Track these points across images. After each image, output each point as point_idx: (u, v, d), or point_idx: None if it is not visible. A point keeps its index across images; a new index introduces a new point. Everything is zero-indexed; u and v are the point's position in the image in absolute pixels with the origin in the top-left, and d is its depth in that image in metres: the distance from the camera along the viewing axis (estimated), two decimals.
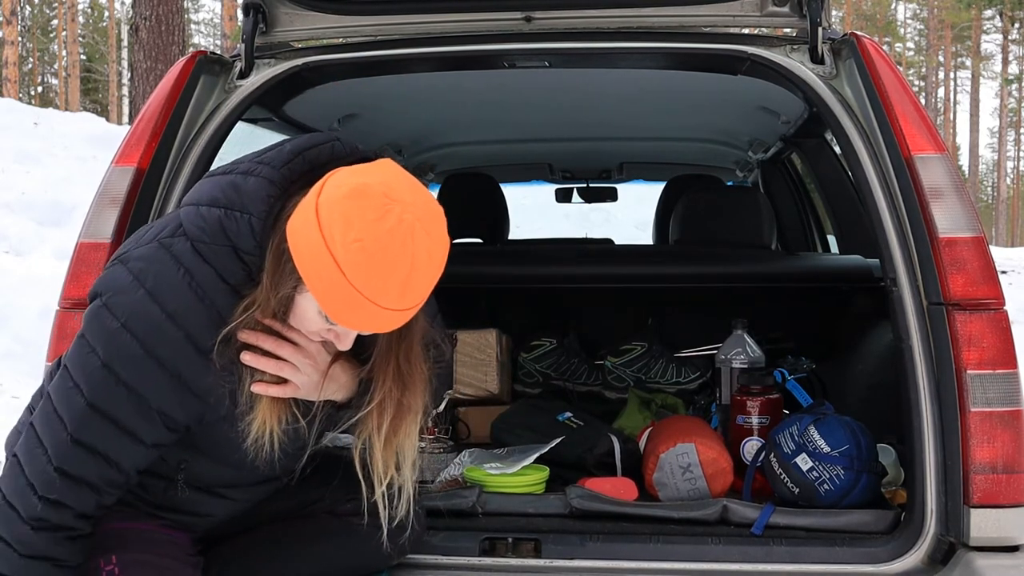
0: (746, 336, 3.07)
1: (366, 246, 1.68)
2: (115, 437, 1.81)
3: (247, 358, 1.83)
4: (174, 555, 2.01)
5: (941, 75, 54.87)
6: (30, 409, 2.04)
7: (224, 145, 2.67)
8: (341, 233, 1.68)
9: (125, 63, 38.43)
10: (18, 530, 1.81)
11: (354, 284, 1.69)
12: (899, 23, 54.68)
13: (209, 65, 2.67)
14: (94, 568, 1.91)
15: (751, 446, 2.70)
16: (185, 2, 20.05)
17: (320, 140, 1.92)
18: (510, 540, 2.30)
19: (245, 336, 1.82)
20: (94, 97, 47.45)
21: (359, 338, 1.88)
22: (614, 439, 2.78)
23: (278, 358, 1.85)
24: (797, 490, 2.44)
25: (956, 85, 56.76)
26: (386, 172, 1.77)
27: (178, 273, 1.80)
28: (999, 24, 46.55)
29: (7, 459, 1.89)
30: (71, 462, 1.80)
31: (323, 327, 1.82)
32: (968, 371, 2.17)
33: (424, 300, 1.78)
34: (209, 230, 1.81)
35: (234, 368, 1.84)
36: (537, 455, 2.60)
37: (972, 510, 2.15)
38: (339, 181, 1.74)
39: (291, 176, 1.84)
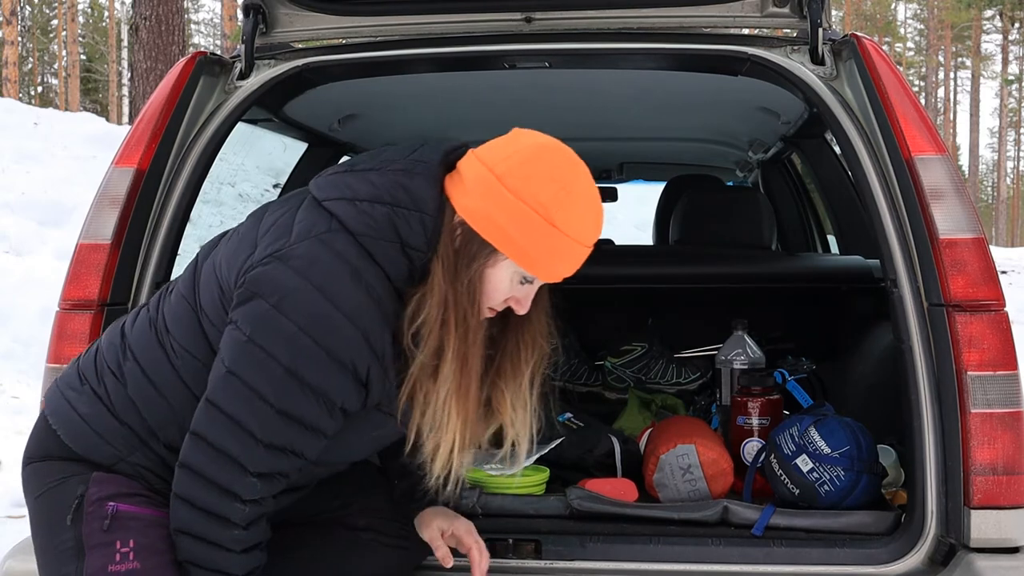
0: (746, 337, 3.07)
1: (571, 191, 1.84)
2: (303, 435, 1.83)
3: None
4: None
5: (941, 75, 54.87)
6: (78, 376, 2.00)
7: (224, 146, 2.67)
8: (544, 189, 1.81)
9: (125, 63, 38.42)
10: (230, 535, 1.84)
11: (567, 231, 1.83)
12: (899, 23, 54.69)
13: (209, 66, 2.67)
14: (110, 544, 1.88)
15: (751, 447, 2.70)
16: (185, 2, 20.04)
17: (456, 144, 1.98)
18: (510, 541, 2.29)
19: None
20: (94, 97, 47.43)
21: None
22: (614, 440, 2.77)
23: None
24: (797, 491, 2.43)
25: (956, 85, 56.79)
26: (536, 133, 1.93)
27: (346, 270, 1.80)
28: (999, 24, 46.59)
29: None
30: (265, 464, 1.82)
31: (510, 294, 1.90)
32: (968, 372, 2.17)
33: None
34: (376, 226, 1.83)
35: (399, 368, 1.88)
36: (537, 456, 2.60)
37: (972, 511, 2.15)
38: (504, 154, 1.86)
39: (443, 175, 1.90)
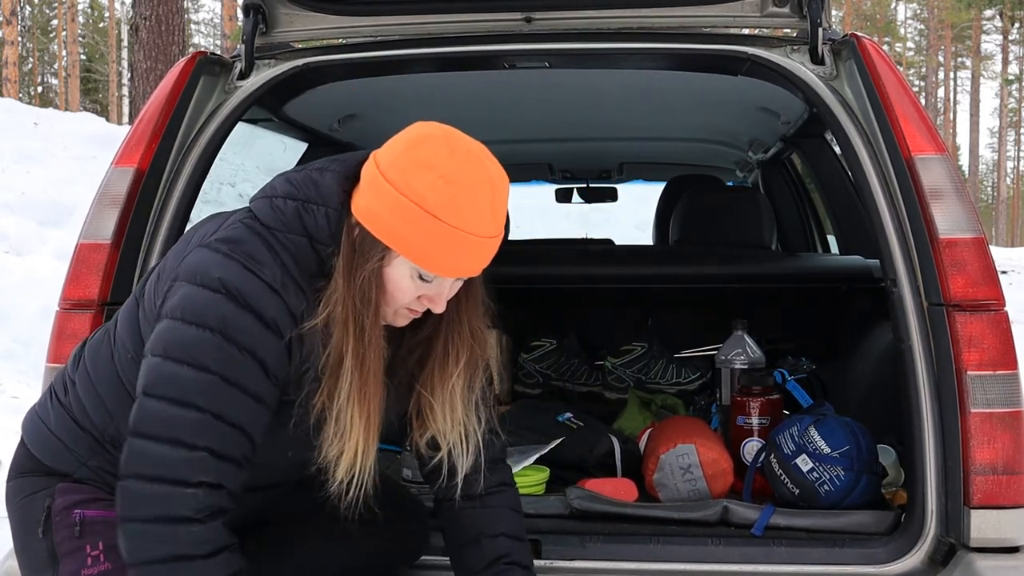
0: (746, 337, 3.07)
1: (450, 179, 1.75)
2: (247, 406, 1.77)
3: None
4: None
5: (941, 75, 54.89)
6: (49, 393, 2.03)
7: (224, 146, 2.68)
8: (420, 179, 1.75)
9: (125, 63, 38.44)
10: (191, 533, 1.73)
11: (449, 221, 1.74)
12: (899, 23, 54.70)
13: (209, 66, 2.67)
14: (81, 549, 1.92)
15: (751, 447, 2.70)
16: (185, 2, 20.05)
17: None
18: None
19: None
20: (94, 97, 47.45)
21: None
22: (614, 440, 2.78)
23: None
24: (797, 491, 2.44)
25: (956, 85, 56.79)
26: (430, 123, 1.85)
27: (260, 242, 1.82)
28: (999, 24, 46.56)
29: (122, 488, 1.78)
30: (216, 439, 1.75)
31: (416, 293, 1.84)
32: (968, 372, 2.17)
33: (503, 225, 1.83)
34: (286, 220, 1.85)
35: (309, 367, 1.84)
36: (537, 456, 2.60)
37: (972, 511, 2.15)
38: (391, 147, 1.82)
39: (356, 174, 1.88)
